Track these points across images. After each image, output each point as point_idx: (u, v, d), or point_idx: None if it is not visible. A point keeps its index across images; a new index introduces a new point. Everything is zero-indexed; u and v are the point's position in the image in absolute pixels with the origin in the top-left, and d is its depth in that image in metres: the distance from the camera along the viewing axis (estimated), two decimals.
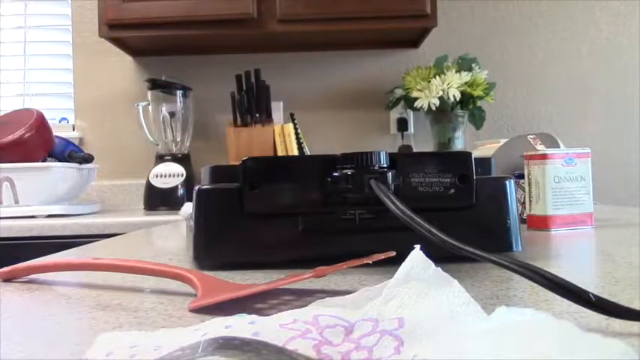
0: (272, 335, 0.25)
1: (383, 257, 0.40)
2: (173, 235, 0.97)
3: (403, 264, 0.31)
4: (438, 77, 2.00)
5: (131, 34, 2.03)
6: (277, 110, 2.19)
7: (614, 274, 0.47)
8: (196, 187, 0.55)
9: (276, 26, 1.98)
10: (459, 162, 0.53)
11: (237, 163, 0.54)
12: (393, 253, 0.40)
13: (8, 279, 0.51)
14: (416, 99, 2.02)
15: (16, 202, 1.72)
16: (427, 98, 1.99)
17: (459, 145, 2.08)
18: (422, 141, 2.24)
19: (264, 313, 0.30)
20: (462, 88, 1.99)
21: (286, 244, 0.53)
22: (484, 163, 0.58)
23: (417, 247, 0.32)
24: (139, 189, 2.13)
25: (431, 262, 0.31)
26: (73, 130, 2.30)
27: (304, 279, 0.38)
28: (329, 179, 0.52)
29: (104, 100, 2.30)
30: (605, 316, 0.30)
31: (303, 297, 0.38)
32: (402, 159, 0.53)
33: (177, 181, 2.03)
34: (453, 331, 0.26)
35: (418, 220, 0.43)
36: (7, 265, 0.58)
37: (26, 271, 0.51)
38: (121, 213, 1.93)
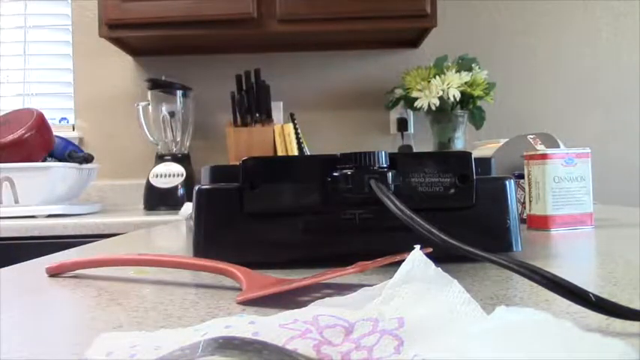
0: (272, 335, 0.25)
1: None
2: (173, 235, 0.97)
3: (403, 264, 0.31)
4: (438, 77, 2.00)
5: (131, 34, 2.03)
6: (277, 110, 2.19)
7: (614, 274, 0.47)
8: (196, 187, 0.55)
9: (276, 26, 1.98)
10: (459, 162, 0.53)
11: (237, 163, 0.54)
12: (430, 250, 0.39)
13: (55, 274, 0.52)
14: (416, 99, 2.02)
15: (16, 201, 1.72)
16: (427, 98, 1.99)
17: (459, 145, 2.08)
18: (422, 141, 2.24)
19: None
20: (461, 88, 1.99)
21: (286, 244, 0.53)
22: (484, 163, 0.58)
23: (417, 247, 0.32)
24: (139, 189, 2.13)
25: (431, 262, 0.31)
26: (73, 130, 2.30)
27: (347, 273, 0.39)
28: (329, 179, 0.52)
29: (104, 100, 2.30)
30: (605, 316, 0.30)
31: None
32: (402, 159, 0.53)
33: (177, 181, 2.03)
34: (453, 331, 0.26)
35: (418, 220, 0.43)
36: (6, 266, 0.59)
37: (73, 266, 0.52)
38: (120, 213, 1.93)
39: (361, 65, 2.31)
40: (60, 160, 1.83)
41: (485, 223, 0.54)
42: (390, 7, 1.95)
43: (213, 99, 2.25)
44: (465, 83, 2.00)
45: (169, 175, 2.04)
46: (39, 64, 2.34)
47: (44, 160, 1.81)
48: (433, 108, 2.00)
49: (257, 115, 2.08)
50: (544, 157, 0.80)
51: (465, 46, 2.23)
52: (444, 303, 0.28)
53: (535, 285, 0.32)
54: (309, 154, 2.10)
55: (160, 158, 2.09)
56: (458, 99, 2.00)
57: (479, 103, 2.07)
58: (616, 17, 2.31)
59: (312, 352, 0.24)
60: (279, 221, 0.53)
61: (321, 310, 0.28)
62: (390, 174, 0.51)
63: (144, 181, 2.07)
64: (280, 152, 2.05)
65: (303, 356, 0.23)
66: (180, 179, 2.03)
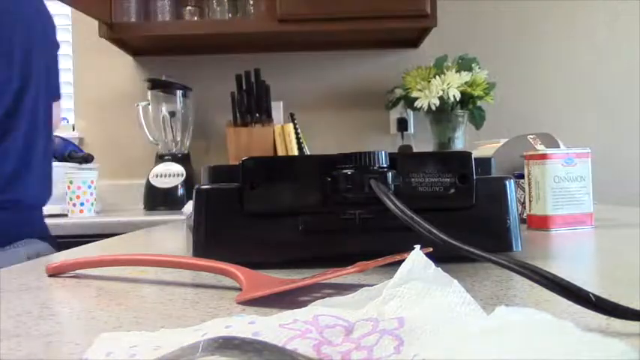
0: (272, 335, 0.25)
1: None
2: (173, 235, 0.97)
3: (403, 264, 0.31)
4: (438, 77, 2.00)
5: (131, 34, 2.03)
6: (277, 110, 2.20)
7: (614, 274, 0.47)
8: (196, 187, 0.55)
9: (276, 26, 1.98)
10: (459, 162, 0.53)
11: (237, 163, 0.54)
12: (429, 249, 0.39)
13: (55, 274, 0.52)
14: (416, 99, 2.02)
15: None
16: (427, 98, 1.99)
17: (459, 145, 2.08)
18: (422, 141, 2.24)
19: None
20: (461, 88, 1.99)
21: (286, 244, 0.53)
22: (484, 163, 0.58)
23: (417, 247, 0.32)
24: (139, 189, 2.13)
25: (431, 262, 0.31)
26: (73, 130, 2.30)
27: (347, 273, 0.38)
28: (329, 179, 0.52)
29: (104, 100, 2.30)
30: (605, 316, 0.30)
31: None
32: (402, 159, 0.53)
33: (177, 181, 2.03)
34: (453, 331, 0.26)
35: (418, 220, 0.43)
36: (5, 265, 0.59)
37: (72, 266, 0.52)
38: (120, 213, 1.93)
39: (361, 65, 2.31)
40: (60, 160, 1.83)
41: (485, 223, 0.54)
42: (390, 7, 1.95)
43: (213, 99, 2.25)
44: (465, 83, 2.00)
45: (169, 175, 2.04)
46: None
47: None
48: (433, 108, 2.00)
49: (257, 115, 2.08)
50: (544, 157, 0.80)
51: (464, 46, 2.23)
52: (444, 303, 0.28)
53: (535, 285, 0.32)
54: (309, 154, 2.10)
55: (160, 158, 2.09)
56: (458, 99, 2.00)
57: (479, 103, 2.07)
58: (615, 17, 2.31)
59: (312, 352, 0.24)
60: (279, 221, 0.53)
61: (321, 310, 0.28)
62: (390, 174, 0.51)
63: (144, 181, 2.07)
64: (280, 152, 2.05)
65: (303, 356, 0.23)
66: (181, 179, 2.03)
